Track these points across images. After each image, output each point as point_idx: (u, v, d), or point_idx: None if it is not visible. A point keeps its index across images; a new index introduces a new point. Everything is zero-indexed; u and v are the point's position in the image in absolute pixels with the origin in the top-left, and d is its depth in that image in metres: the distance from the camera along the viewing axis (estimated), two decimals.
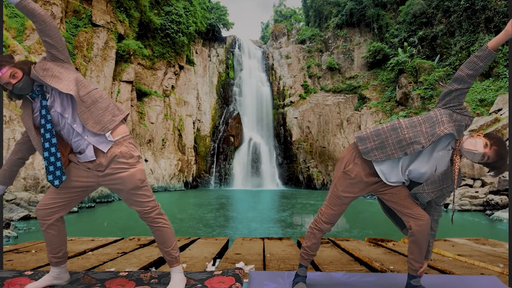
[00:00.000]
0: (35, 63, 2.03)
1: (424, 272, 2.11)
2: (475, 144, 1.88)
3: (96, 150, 2.00)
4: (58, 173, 1.99)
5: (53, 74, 1.97)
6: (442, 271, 2.72)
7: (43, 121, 1.98)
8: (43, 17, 1.92)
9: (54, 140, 1.99)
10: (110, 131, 2.01)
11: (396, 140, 1.95)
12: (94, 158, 2.00)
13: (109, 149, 2.00)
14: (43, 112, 1.99)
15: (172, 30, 28.22)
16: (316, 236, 2.16)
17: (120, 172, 2.00)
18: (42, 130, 1.98)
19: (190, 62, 31.94)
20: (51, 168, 1.98)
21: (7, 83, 1.94)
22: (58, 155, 1.99)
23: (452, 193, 2.01)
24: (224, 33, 37.82)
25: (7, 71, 1.93)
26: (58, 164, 1.99)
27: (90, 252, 3.36)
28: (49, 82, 1.94)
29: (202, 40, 34.21)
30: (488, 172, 1.96)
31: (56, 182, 1.99)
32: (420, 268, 2.08)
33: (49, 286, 2.11)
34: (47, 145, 1.98)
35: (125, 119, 2.13)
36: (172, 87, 29.49)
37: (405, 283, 2.16)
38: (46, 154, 1.98)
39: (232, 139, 31.42)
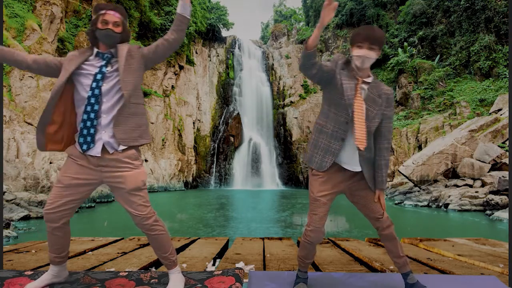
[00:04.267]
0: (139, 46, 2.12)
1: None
2: (358, 56, 2.01)
3: (103, 147, 2.02)
4: (89, 139, 1.99)
5: (131, 67, 2.03)
6: (442, 271, 2.72)
7: (94, 84, 2.00)
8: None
9: (96, 107, 2.00)
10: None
11: (328, 138, 2.05)
12: (99, 155, 2.00)
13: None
14: (99, 76, 2.01)
15: None
16: (308, 248, 2.13)
17: (125, 171, 2.00)
18: (89, 93, 1.99)
19: (190, 62, 31.93)
20: (85, 132, 1.99)
21: (105, 22, 2.02)
22: (95, 122, 2.00)
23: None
24: (224, 33, 37.83)
25: (117, 17, 2.05)
26: (92, 131, 1.99)
27: (90, 252, 3.36)
28: (121, 69, 2.00)
29: (202, 40, 34.18)
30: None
31: (84, 147, 1.99)
32: (405, 264, 2.12)
33: (48, 285, 2.11)
34: (89, 108, 1.99)
35: None
36: (172, 87, 29.48)
37: (404, 283, 2.16)
38: (85, 116, 1.99)
39: (232, 139, 31.40)
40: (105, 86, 2.01)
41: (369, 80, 2.07)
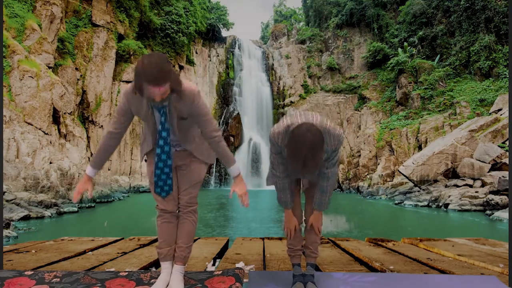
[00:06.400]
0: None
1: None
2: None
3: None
4: (166, 188, 2.10)
5: (183, 127, 2.08)
6: (442, 271, 2.72)
7: (161, 142, 2.04)
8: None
9: (169, 162, 2.07)
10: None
11: (289, 183, 2.26)
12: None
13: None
14: (165, 129, 2.03)
15: (172, 30, 28.21)
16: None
17: (192, 163, 2.18)
18: (158, 150, 2.04)
19: (190, 62, 31.92)
20: (161, 183, 2.09)
21: (152, 99, 1.78)
22: (171, 175, 2.10)
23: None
24: (224, 33, 37.84)
25: (162, 91, 1.75)
26: (169, 182, 2.09)
27: (90, 252, 3.36)
28: (180, 137, 2.09)
29: (202, 40, 34.18)
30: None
31: (163, 194, 2.11)
32: (313, 256, 2.29)
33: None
34: (161, 164, 2.06)
35: None
36: None
37: (406, 283, 2.15)
38: (157, 172, 2.06)
39: (232, 139, 31.40)
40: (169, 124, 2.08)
41: None
